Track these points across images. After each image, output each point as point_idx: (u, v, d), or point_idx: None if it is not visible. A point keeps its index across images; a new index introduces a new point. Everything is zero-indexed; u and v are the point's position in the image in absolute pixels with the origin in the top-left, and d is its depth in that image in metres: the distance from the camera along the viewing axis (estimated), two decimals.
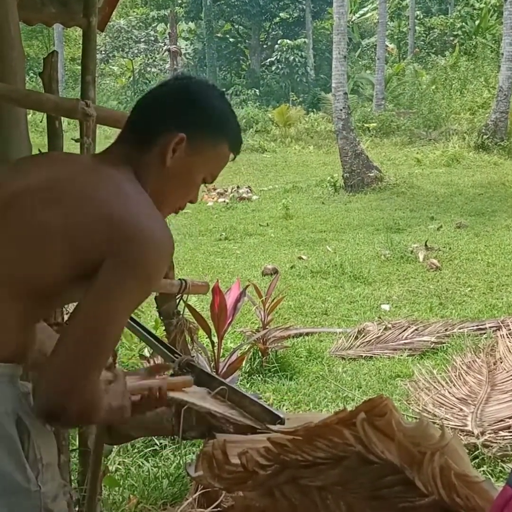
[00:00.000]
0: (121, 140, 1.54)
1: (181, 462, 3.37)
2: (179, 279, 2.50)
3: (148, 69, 24.24)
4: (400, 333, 5.72)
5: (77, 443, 2.54)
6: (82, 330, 1.31)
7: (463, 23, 30.21)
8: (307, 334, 5.92)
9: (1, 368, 1.33)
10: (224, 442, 1.43)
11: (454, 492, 1.15)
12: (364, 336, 5.70)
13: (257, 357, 5.03)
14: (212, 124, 1.52)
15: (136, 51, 23.74)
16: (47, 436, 1.41)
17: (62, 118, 2.41)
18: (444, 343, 5.49)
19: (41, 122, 2.42)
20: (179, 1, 28.34)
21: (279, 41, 28.44)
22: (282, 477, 1.34)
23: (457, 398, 4.23)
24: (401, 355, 5.33)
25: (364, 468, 1.29)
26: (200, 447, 3.11)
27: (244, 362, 4.55)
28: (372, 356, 5.35)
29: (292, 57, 27.45)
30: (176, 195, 1.59)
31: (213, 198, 14.21)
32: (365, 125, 20.92)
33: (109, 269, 1.32)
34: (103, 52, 23.55)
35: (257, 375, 4.88)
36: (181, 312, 2.53)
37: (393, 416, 1.26)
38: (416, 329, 5.77)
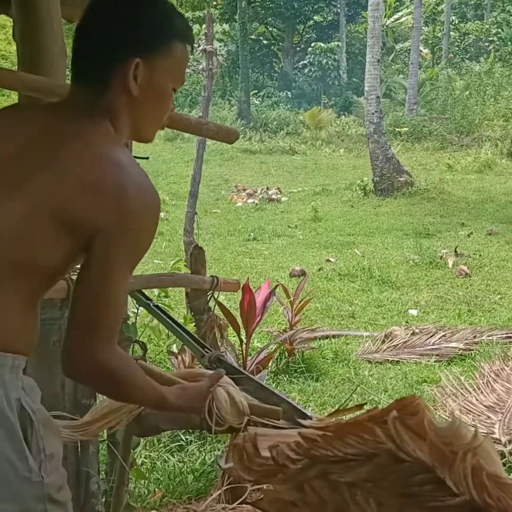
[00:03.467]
0: (76, 88, 1.44)
1: (206, 458, 3.39)
2: (211, 276, 2.53)
3: None
4: (428, 338, 5.69)
5: (105, 434, 2.57)
6: (91, 299, 1.34)
7: (499, 29, 29.89)
8: (333, 336, 5.91)
9: (2, 358, 1.31)
10: (255, 435, 1.44)
11: (486, 492, 1.14)
12: (391, 340, 5.68)
13: (283, 357, 5.04)
14: (156, 32, 1.43)
15: None
16: (51, 428, 1.41)
17: None
18: (472, 350, 5.45)
19: None
20: (214, 3, 28.46)
21: (312, 44, 28.40)
22: (312, 472, 1.34)
23: (484, 406, 4.19)
24: (428, 361, 5.30)
25: (394, 466, 1.29)
26: (226, 444, 3.13)
27: (270, 362, 4.57)
28: (398, 361, 5.33)
29: (325, 60, 27.39)
30: (155, 117, 1.51)
31: (242, 199, 14.24)
32: (397, 129, 20.79)
33: (108, 241, 1.32)
34: None
35: (283, 375, 4.89)
36: (212, 309, 2.56)
37: (425, 415, 1.26)
38: (444, 335, 5.74)
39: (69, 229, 1.32)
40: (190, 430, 3.52)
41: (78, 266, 2.25)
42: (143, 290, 2.39)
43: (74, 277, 2.23)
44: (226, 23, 28.33)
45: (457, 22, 31.45)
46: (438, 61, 29.85)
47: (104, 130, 1.40)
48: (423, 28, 28.37)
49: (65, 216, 1.32)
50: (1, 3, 2.91)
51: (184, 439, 3.63)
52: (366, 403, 3.85)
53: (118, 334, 1.40)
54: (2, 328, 1.33)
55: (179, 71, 1.51)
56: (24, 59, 2.23)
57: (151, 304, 2.30)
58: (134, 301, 2.43)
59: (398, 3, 31.65)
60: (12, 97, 20.02)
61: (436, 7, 31.94)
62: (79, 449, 2.41)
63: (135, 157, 2.37)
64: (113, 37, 1.41)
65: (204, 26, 23.57)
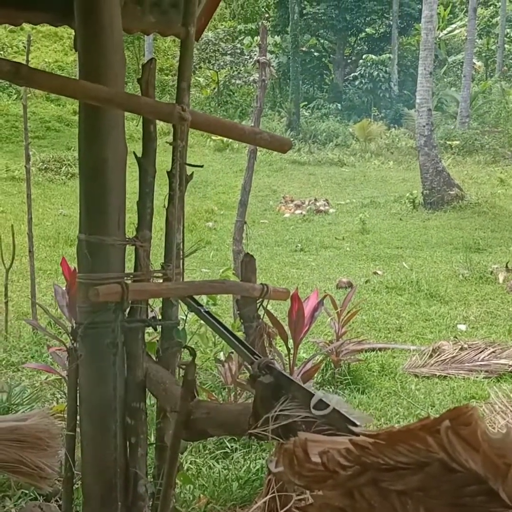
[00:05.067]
0: None
1: (251, 466, 3.40)
2: (261, 283, 2.54)
3: (233, 81, 24.54)
4: (477, 354, 5.60)
5: (153, 438, 2.60)
6: None
7: None
8: (380, 349, 5.87)
9: None
10: (305, 440, 1.45)
11: None
12: (438, 355, 5.61)
13: (329, 368, 5.03)
14: None
15: (222, 63, 24.09)
16: None
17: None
18: None
19: (137, 126, 2.51)
20: (266, 15, 28.65)
21: (363, 56, 28.32)
22: (362, 479, 1.35)
23: None
24: (477, 377, 5.22)
25: (446, 476, 1.28)
26: (270, 452, 3.14)
27: (316, 373, 4.55)
28: (446, 376, 5.26)
29: (376, 72, 27.27)
30: None
31: (290, 210, 14.26)
32: (448, 142, 20.56)
33: None
34: None
35: (328, 387, 4.87)
36: (261, 317, 2.57)
37: (479, 426, 1.24)
38: (493, 351, 5.64)
39: None
40: (236, 438, 3.53)
41: (137, 272, 2.30)
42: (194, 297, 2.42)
43: (129, 282, 2.29)
44: (277, 35, 28.46)
45: None
46: (492, 74, 29.42)
47: None
48: (477, 40, 28.00)
49: None
50: (63, 14, 3.01)
51: (229, 447, 3.65)
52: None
53: None
54: None
55: None
56: (86, 68, 2.30)
57: (202, 310, 2.32)
58: (183, 307, 2.46)
59: (451, 16, 31.35)
60: (67, 107, 20.47)
61: (490, 19, 31.50)
62: (128, 451, 2.44)
63: (189, 164, 2.42)
64: None
65: (256, 38, 23.63)
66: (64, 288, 4.01)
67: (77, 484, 2.69)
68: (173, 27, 2.94)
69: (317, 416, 1.79)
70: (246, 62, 23.66)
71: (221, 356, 4.29)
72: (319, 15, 28.77)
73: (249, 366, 2.16)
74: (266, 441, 2.27)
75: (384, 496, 1.33)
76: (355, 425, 1.79)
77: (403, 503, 1.31)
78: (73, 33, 2.50)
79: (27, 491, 3.11)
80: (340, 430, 1.75)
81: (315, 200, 14.87)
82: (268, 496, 2.68)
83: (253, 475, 3.30)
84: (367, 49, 30.37)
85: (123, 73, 2.39)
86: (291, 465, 1.41)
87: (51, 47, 25.87)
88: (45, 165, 16.02)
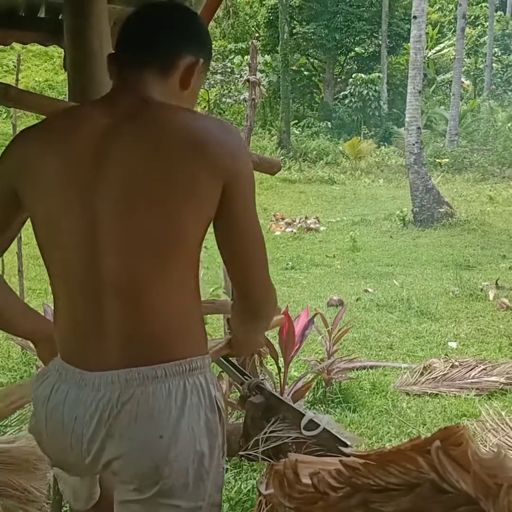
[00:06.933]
0: (136, 66, 1.47)
1: (242, 486, 3.37)
2: None
3: (223, 99, 24.67)
4: (468, 371, 5.59)
5: None
6: (256, 253, 1.55)
7: None
8: (371, 367, 5.85)
9: (205, 360, 1.44)
10: (295, 461, 1.44)
11: None
12: (430, 372, 5.59)
13: (320, 387, 5.00)
14: (210, 43, 1.59)
15: (212, 82, 24.21)
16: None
17: None
18: None
19: None
20: (256, 35, 28.88)
21: (353, 75, 28.58)
22: (353, 500, 1.34)
23: None
24: (468, 394, 5.20)
25: (437, 497, 1.27)
26: (261, 473, 3.11)
27: (307, 391, 4.53)
28: (437, 394, 5.25)
29: (365, 91, 27.50)
30: None
31: (280, 228, 14.29)
32: (437, 160, 20.71)
33: (237, 195, 1.48)
34: None
35: (320, 405, 4.85)
36: None
37: (469, 446, 1.24)
38: (484, 369, 5.63)
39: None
40: (227, 458, 3.50)
41: None
42: None
43: None
44: (268, 55, 28.70)
45: (500, 54, 31.33)
46: (480, 93, 29.75)
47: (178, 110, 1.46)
48: (465, 59, 28.31)
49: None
50: (53, 34, 3.02)
51: None
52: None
53: None
54: (194, 333, 1.46)
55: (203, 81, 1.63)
56: (74, 88, 2.30)
57: None
58: None
59: (440, 35, 31.73)
60: None
61: (478, 39, 31.91)
62: None
63: None
64: (187, 31, 1.53)
65: (246, 57, 23.73)
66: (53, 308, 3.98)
67: (66, 506, 2.65)
68: None
69: (308, 436, 1.79)
70: (236, 81, 23.79)
71: None
72: (309, 34, 29.04)
73: (240, 386, 2.15)
74: (257, 462, 2.25)
75: None
76: (345, 445, 1.78)
77: None
78: (63, 53, 2.50)
79: None
80: (331, 451, 1.75)
81: (306, 218, 14.92)
82: None
83: (244, 496, 3.28)
84: (356, 68, 30.66)
85: None
86: (282, 487, 1.40)
87: (42, 66, 25.95)
88: None
